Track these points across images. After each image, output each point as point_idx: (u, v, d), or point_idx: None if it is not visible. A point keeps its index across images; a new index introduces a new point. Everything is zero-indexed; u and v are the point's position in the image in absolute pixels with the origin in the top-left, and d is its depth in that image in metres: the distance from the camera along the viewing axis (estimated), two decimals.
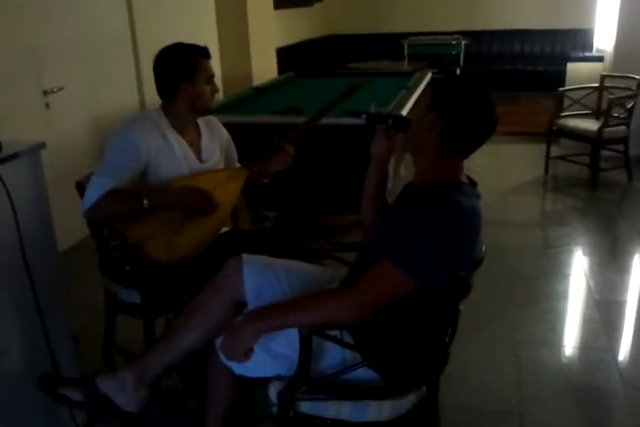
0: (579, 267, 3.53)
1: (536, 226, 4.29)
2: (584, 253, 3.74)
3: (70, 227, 3.04)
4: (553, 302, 3.11)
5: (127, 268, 2.16)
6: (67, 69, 3.73)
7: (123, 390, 1.80)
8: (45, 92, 3.55)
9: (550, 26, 8.59)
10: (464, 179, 1.64)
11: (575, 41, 8.49)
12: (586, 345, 2.76)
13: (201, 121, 2.27)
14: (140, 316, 2.22)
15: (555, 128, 5.05)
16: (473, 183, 1.67)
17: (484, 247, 1.68)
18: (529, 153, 5.77)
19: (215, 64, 5.72)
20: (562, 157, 5.18)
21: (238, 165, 2.43)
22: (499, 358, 2.64)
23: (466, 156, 1.62)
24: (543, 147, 5.14)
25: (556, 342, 2.78)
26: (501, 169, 5.45)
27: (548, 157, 5.09)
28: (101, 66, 4.05)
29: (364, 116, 1.77)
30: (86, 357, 2.41)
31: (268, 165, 2.29)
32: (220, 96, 5.51)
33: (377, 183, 1.84)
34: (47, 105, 3.59)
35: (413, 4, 8.94)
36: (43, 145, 1.88)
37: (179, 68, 2.09)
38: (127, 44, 4.31)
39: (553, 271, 3.49)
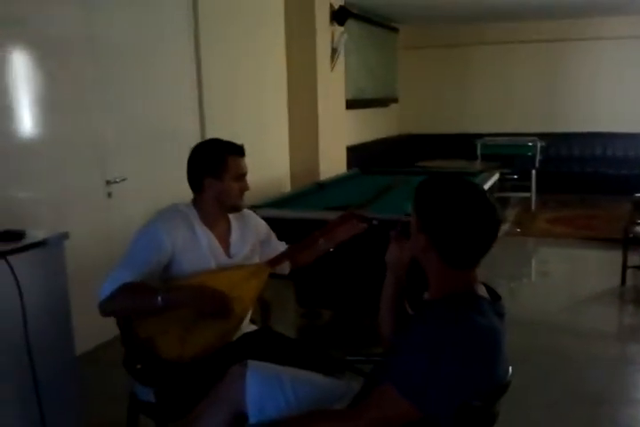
0: None
1: (609, 340, 3.91)
2: None
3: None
4: None
5: (138, 366, 2.07)
6: (131, 161, 3.87)
7: None
8: (108, 182, 3.68)
9: (634, 129, 8.39)
10: (481, 291, 1.47)
11: None
12: None
13: (232, 215, 2.24)
14: (154, 416, 2.11)
15: (631, 235, 4.74)
16: (496, 297, 1.51)
17: (510, 369, 1.49)
18: (606, 260, 5.42)
19: (284, 159, 5.91)
20: None
21: (283, 246, 2.38)
22: None
23: (474, 266, 1.47)
24: (620, 254, 4.82)
25: None
26: (575, 275, 5.14)
27: (625, 265, 4.75)
28: (167, 158, 4.19)
29: (375, 221, 1.70)
30: None
31: (337, 233, 2.23)
32: (287, 188, 5.63)
33: (393, 292, 1.70)
34: (109, 194, 3.71)
35: (489, 105, 9.01)
36: (65, 235, 1.88)
37: (206, 162, 2.10)
38: (195, 139, 4.44)
39: (622, 395, 3.11)
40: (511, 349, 1.43)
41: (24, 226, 1.99)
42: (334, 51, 6.06)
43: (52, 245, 1.85)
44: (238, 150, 2.15)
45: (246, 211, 2.33)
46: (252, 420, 1.62)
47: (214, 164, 2.09)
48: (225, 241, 2.19)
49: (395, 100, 8.92)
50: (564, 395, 3.03)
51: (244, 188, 2.15)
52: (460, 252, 1.42)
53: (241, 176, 2.14)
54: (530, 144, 7.60)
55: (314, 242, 2.26)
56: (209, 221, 2.15)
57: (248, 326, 2.31)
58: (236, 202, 2.15)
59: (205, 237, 2.13)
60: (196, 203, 2.16)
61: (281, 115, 5.76)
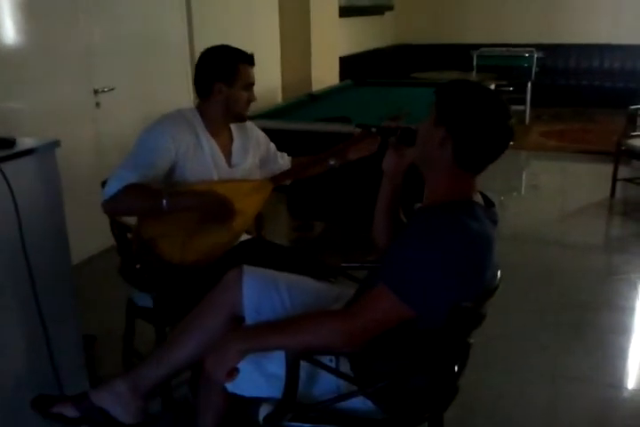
0: (637, 299, 3.26)
1: (596, 251, 4.01)
2: None
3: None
4: (602, 336, 2.86)
5: (137, 266, 2.10)
6: (118, 71, 3.77)
7: (117, 402, 1.75)
8: (96, 92, 3.60)
9: (633, 41, 8.18)
10: (477, 198, 1.49)
11: None
12: (637, 387, 2.51)
13: (234, 125, 2.22)
14: (152, 321, 2.18)
15: (624, 148, 4.73)
16: (490, 204, 1.52)
17: (499, 273, 1.53)
18: (597, 173, 5.45)
19: (275, 69, 5.75)
20: (630, 180, 4.85)
21: (285, 158, 2.40)
22: (531, 393, 2.44)
23: (479, 172, 1.47)
24: (612, 167, 4.83)
25: (600, 381, 2.54)
26: (566, 188, 5.18)
27: (615, 178, 4.78)
28: (155, 67, 4.08)
29: (373, 129, 1.69)
30: (109, 357, 2.44)
31: (348, 153, 2.22)
32: (278, 100, 5.51)
33: (389, 201, 1.71)
34: (98, 104, 3.64)
35: (487, 14, 8.71)
36: (57, 143, 1.85)
37: (218, 68, 2.06)
38: (184, 47, 4.32)
39: (607, 302, 3.22)
40: (499, 260, 1.46)
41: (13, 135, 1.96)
42: None
43: (43, 153, 1.81)
44: (250, 59, 2.11)
45: (248, 123, 2.30)
46: (248, 321, 1.66)
47: (226, 70, 2.05)
48: (227, 151, 2.18)
49: (390, 8, 8.59)
50: (550, 303, 3.14)
51: (252, 98, 2.13)
52: (474, 149, 1.42)
53: (250, 86, 2.11)
54: (526, 55, 7.43)
55: (323, 160, 2.25)
56: (212, 129, 2.13)
57: (243, 236, 2.34)
58: (242, 110, 2.13)
59: (208, 144, 2.11)
60: (200, 109, 2.13)
61: (272, 22, 5.54)
